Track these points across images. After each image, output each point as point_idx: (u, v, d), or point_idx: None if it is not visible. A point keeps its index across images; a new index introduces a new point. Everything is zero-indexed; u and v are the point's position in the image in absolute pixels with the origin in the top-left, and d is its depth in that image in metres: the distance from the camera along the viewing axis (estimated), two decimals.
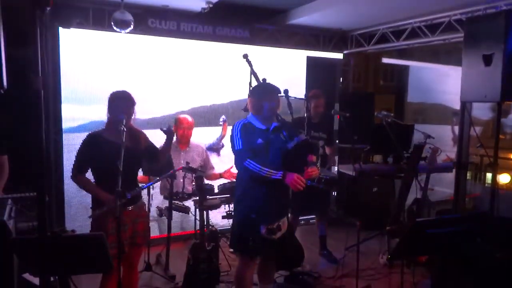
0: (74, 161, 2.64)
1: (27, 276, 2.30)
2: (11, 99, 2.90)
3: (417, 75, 6.86)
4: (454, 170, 4.47)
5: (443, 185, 5.72)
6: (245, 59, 3.28)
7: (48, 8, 1.44)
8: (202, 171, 3.64)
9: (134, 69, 4.44)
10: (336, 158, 4.91)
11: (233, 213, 2.96)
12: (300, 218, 4.30)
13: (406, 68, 6.83)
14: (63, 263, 1.75)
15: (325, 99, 4.08)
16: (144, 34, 4.46)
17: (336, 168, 5.09)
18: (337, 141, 4.97)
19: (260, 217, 2.68)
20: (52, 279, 1.80)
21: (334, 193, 5.36)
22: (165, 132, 2.80)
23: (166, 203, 3.91)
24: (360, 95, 6.09)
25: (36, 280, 2.20)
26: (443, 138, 6.57)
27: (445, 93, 6.94)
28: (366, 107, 5.45)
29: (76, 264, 1.80)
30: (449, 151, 5.67)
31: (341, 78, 6.03)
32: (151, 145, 2.83)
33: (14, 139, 3.58)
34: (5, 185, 3.57)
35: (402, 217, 3.57)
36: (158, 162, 2.87)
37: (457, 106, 5.91)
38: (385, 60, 6.57)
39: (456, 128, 5.87)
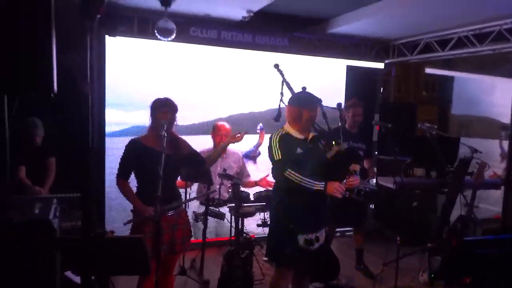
0: (118, 166, 2.71)
1: (69, 274, 2.36)
2: (58, 104, 3.03)
3: (462, 86, 6.59)
4: (502, 187, 4.23)
5: (489, 203, 5.43)
6: (276, 69, 3.25)
7: (98, 17, 1.50)
8: (238, 178, 3.65)
9: (175, 76, 4.54)
10: (375, 170, 4.78)
11: (269, 222, 2.94)
12: (336, 229, 4.20)
13: (450, 78, 6.58)
14: (103, 264, 1.79)
15: (364, 109, 3.99)
16: (186, 42, 4.56)
17: (374, 181, 4.96)
18: (376, 152, 4.85)
19: (298, 228, 2.64)
20: (92, 278, 1.84)
21: (372, 206, 5.22)
22: (232, 137, 2.84)
23: (202, 209, 3.94)
24: (402, 106, 5.93)
25: (77, 279, 2.26)
26: (490, 153, 6.25)
27: (492, 105, 6.63)
28: (408, 119, 5.29)
29: (115, 265, 1.83)
30: (496, 167, 5.38)
31: (381, 88, 5.89)
32: (193, 152, 2.85)
33: (61, 142, 3.75)
34: (51, 185, 3.76)
35: (444, 234, 3.41)
36: (201, 168, 2.89)
37: (505, 119, 5.61)
38: (429, 71, 6.36)
39: (505, 143, 5.58)
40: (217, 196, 3.94)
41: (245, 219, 3.86)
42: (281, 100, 2.80)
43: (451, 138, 4.36)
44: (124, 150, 2.70)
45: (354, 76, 5.45)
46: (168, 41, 4.12)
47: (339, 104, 3.55)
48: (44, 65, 1.35)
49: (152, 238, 2.38)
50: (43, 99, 1.52)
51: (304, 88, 2.95)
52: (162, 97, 2.78)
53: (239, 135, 2.86)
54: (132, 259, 1.81)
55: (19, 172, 3.47)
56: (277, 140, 2.66)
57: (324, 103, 2.82)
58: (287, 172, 2.57)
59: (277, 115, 2.80)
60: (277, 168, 2.67)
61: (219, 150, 2.90)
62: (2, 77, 1.37)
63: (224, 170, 3.59)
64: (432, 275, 3.28)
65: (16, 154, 1.49)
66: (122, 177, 2.68)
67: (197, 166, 2.90)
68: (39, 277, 2.10)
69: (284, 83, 2.97)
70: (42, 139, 3.66)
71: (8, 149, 1.52)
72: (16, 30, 1.35)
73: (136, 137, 2.76)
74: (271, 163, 2.73)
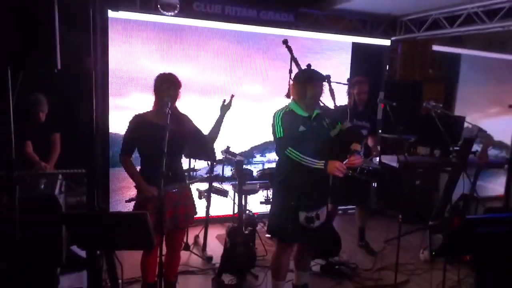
0: (122, 141, 2.72)
1: (75, 248, 2.41)
2: (62, 79, 3.02)
3: (469, 64, 6.49)
4: (506, 166, 4.22)
5: (493, 182, 5.44)
6: (284, 45, 3.22)
7: None
8: (241, 155, 3.67)
9: (177, 52, 4.49)
10: (378, 148, 4.78)
11: (271, 199, 2.96)
12: (338, 207, 4.24)
13: (457, 56, 6.47)
14: (107, 239, 1.82)
15: (369, 87, 3.96)
16: (189, 18, 4.49)
17: (377, 159, 4.97)
18: (379, 130, 4.83)
19: (299, 205, 2.66)
20: (98, 252, 1.88)
21: (375, 184, 5.24)
22: (223, 106, 2.79)
23: (206, 186, 3.98)
24: (407, 84, 5.86)
25: (83, 253, 2.30)
26: (495, 132, 6.22)
27: (500, 84, 6.55)
28: (413, 97, 5.24)
29: (120, 240, 1.87)
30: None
31: (387, 66, 5.82)
32: (197, 129, 2.83)
33: (65, 118, 3.76)
34: (56, 161, 3.79)
35: (446, 212, 3.43)
36: (204, 146, 2.88)
37: None
38: (436, 48, 6.26)
39: None
40: (221, 173, 3.99)
41: (248, 196, 3.92)
42: (290, 77, 2.77)
43: (457, 117, 4.33)
44: (128, 126, 2.70)
45: (359, 53, 5.38)
46: (171, 16, 4.05)
47: (348, 80, 3.52)
48: (48, 40, 1.34)
49: (155, 215, 2.41)
50: (47, 74, 1.51)
51: (309, 65, 2.92)
52: (166, 72, 2.76)
53: (228, 101, 2.82)
54: (136, 234, 1.84)
55: (26, 147, 3.49)
56: (280, 118, 2.65)
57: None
58: (289, 150, 2.57)
59: (288, 92, 2.78)
60: (279, 145, 2.67)
61: (217, 124, 2.82)
62: (5, 52, 1.36)
63: (228, 147, 3.61)
64: (434, 253, 3.32)
65: (21, 129, 1.50)
66: (125, 153, 2.69)
67: (201, 144, 2.89)
68: (45, 251, 2.15)
69: (292, 60, 2.94)
70: (45, 115, 3.67)
71: (13, 125, 1.52)
72: (19, 5, 1.34)
73: (140, 112, 2.76)
74: (274, 139, 2.73)
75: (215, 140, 2.85)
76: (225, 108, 2.81)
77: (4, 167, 1.70)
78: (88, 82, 1.48)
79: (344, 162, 2.57)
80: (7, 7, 1.34)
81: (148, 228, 1.76)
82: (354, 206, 4.52)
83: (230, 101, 2.82)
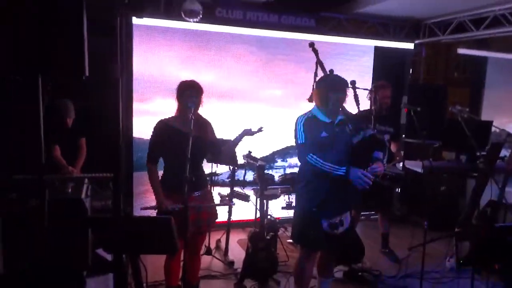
0: (148, 148, 2.75)
1: (100, 251, 2.46)
2: (88, 85, 3.09)
3: (496, 67, 6.32)
4: None
5: None
6: (310, 48, 3.21)
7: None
8: (263, 160, 3.66)
9: (200, 57, 4.53)
10: (401, 153, 4.70)
11: (294, 205, 2.95)
12: (361, 213, 4.18)
13: (483, 59, 6.31)
14: (133, 242, 1.84)
15: (392, 91, 3.90)
16: (212, 23, 4.53)
17: (401, 164, 4.88)
18: (403, 135, 4.74)
19: (322, 211, 2.63)
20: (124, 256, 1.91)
21: (398, 190, 5.15)
22: (247, 130, 2.80)
23: (227, 190, 3.99)
24: (431, 88, 5.74)
25: (108, 256, 2.34)
26: None
27: None
28: (438, 101, 5.12)
29: (144, 244, 1.89)
30: None
31: (410, 70, 5.73)
32: (214, 139, 2.86)
33: (91, 123, 3.85)
34: (82, 165, 3.87)
35: (474, 219, 3.34)
36: (220, 156, 2.90)
37: None
38: (462, 51, 6.12)
39: None
40: (243, 178, 3.99)
41: (269, 201, 3.90)
42: (315, 81, 2.76)
43: (484, 122, 4.21)
44: (153, 132, 2.74)
45: (382, 57, 5.31)
46: (194, 22, 4.10)
47: (372, 86, 3.48)
48: (76, 48, 1.38)
49: (178, 219, 2.42)
50: (74, 81, 1.54)
51: (331, 71, 2.90)
52: (189, 79, 2.80)
53: (255, 130, 2.82)
54: (160, 238, 1.86)
55: (54, 151, 3.58)
56: (302, 123, 2.63)
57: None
58: (310, 156, 2.55)
59: (311, 96, 2.77)
60: (301, 151, 2.65)
61: (233, 144, 2.84)
62: (36, 60, 1.40)
63: (249, 152, 3.61)
64: (461, 261, 3.22)
65: (49, 135, 1.54)
66: (151, 159, 2.72)
67: (220, 150, 2.91)
68: (72, 254, 2.20)
69: (318, 64, 2.93)
70: (72, 121, 3.77)
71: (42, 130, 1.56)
72: (49, 13, 1.38)
73: (164, 118, 2.79)
74: (295, 144, 2.71)
75: (227, 156, 2.88)
76: (247, 132, 2.82)
77: (33, 171, 1.75)
78: (114, 88, 1.51)
79: (367, 170, 2.54)
80: (37, 16, 1.38)
81: (172, 233, 1.78)
82: (376, 212, 4.44)
83: (256, 132, 2.83)
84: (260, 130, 2.81)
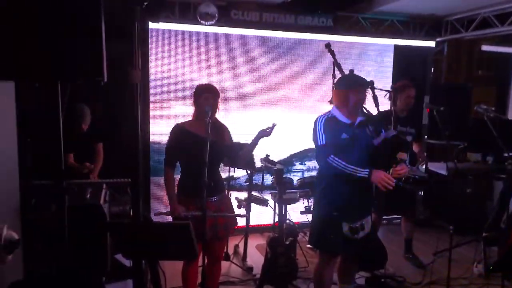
0: (165, 153, 2.79)
1: (119, 257, 2.49)
2: (106, 90, 3.15)
3: None
4: None
5: None
6: (327, 49, 3.20)
7: (145, 4, 1.53)
8: (281, 164, 3.65)
9: (216, 60, 4.56)
10: (424, 154, 4.64)
11: (313, 209, 2.94)
12: (383, 217, 4.13)
13: (509, 56, 6.17)
14: (152, 248, 1.86)
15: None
16: (227, 26, 4.55)
17: (423, 167, 4.81)
18: (425, 136, 4.68)
19: (342, 215, 2.62)
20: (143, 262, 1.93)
21: (421, 193, 5.07)
22: (262, 131, 2.77)
23: (245, 195, 3.99)
24: (454, 87, 5.65)
25: (127, 262, 2.37)
26: None
27: None
28: (461, 100, 5.04)
29: (163, 250, 1.90)
30: None
31: (432, 68, 5.64)
32: (231, 143, 2.87)
33: (108, 128, 3.92)
34: (100, 170, 3.94)
35: (502, 223, 3.26)
36: (237, 160, 2.90)
37: None
38: (486, 48, 5.99)
39: None
40: (260, 182, 3.99)
41: (288, 205, 3.89)
42: (333, 82, 2.75)
43: (511, 121, 4.11)
44: (169, 136, 2.77)
45: (402, 56, 5.24)
46: (209, 25, 4.14)
47: (393, 87, 3.46)
48: (96, 54, 1.40)
49: (196, 224, 2.44)
50: (91, 86, 1.57)
51: (351, 71, 2.90)
52: (205, 83, 2.83)
53: (268, 128, 2.78)
54: (179, 244, 1.87)
55: (68, 159, 3.66)
56: (322, 124, 2.63)
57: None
58: (331, 158, 2.55)
59: (332, 98, 2.76)
60: (320, 153, 2.64)
61: (250, 147, 2.81)
62: (55, 66, 1.43)
63: (267, 155, 3.61)
64: (491, 267, 3.15)
65: (64, 142, 1.57)
66: (169, 164, 2.75)
67: (238, 154, 2.91)
68: (92, 259, 2.23)
69: (335, 65, 2.92)
70: (89, 126, 3.83)
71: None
72: (67, 18, 1.41)
73: (181, 122, 2.82)
74: (315, 146, 2.71)
75: (245, 161, 2.87)
76: (263, 133, 2.77)
77: (49, 177, 1.78)
78: (133, 94, 1.53)
79: (389, 172, 2.51)
80: (55, 20, 1.41)
81: (191, 239, 1.79)
82: (399, 216, 4.38)
83: (271, 130, 2.78)
84: (273, 126, 2.79)
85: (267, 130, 2.77)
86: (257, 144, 2.79)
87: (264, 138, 2.78)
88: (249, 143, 2.80)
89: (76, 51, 1.40)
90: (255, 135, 2.78)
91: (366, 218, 2.72)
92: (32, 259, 2.22)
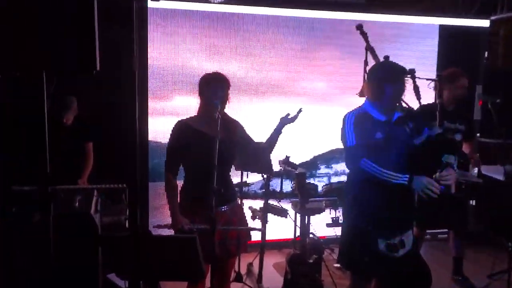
0: (166, 155, 2.80)
1: (112, 277, 2.52)
2: (98, 81, 3.18)
3: None
4: None
5: None
6: (358, 31, 3.19)
7: None
8: (304, 167, 3.65)
9: (226, 45, 4.57)
10: (477, 156, 4.58)
11: (342, 221, 2.93)
12: (427, 231, 4.09)
13: None
14: (152, 267, 1.88)
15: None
16: (239, 4, 4.56)
17: (476, 170, 4.75)
18: (477, 134, 4.62)
19: (378, 229, 2.60)
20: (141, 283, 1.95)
21: (473, 202, 5.00)
22: (285, 118, 2.79)
23: (260, 204, 3.99)
24: None
25: (121, 283, 2.40)
26: None
27: None
28: None
29: (165, 269, 1.92)
30: None
31: (486, 53, 5.56)
32: (249, 139, 2.87)
33: (100, 125, 3.96)
34: (89, 174, 3.99)
35: None
36: (258, 157, 2.91)
37: None
38: None
39: None
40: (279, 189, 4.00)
41: (312, 216, 3.88)
42: (365, 70, 2.74)
43: None
44: (171, 134, 2.78)
45: (449, 39, 5.19)
46: (219, 3, 4.15)
47: (438, 76, 3.43)
48: (87, 40, 1.42)
49: (201, 239, 2.46)
50: (82, 75, 1.59)
51: (387, 57, 2.88)
52: (212, 72, 2.83)
53: (293, 114, 2.80)
54: (184, 262, 1.88)
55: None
56: (352, 121, 2.62)
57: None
58: (363, 162, 2.53)
59: (361, 90, 2.75)
60: (351, 156, 2.64)
61: (274, 135, 2.83)
62: (41, 54, 1.45)
63: (287, 156, 3.60)
64: None
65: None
66: (170, 169, 2.76)
67: (254, 155, 2.92)
68: (80, 278, 2.26)
69: (368, 50, 2.91)
70: (75, 120, 3.86)
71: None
72: (57, 5, 1.42)
73: (184, 118, 2.84)
74: (343, 147, 2.70)
75: (270, 153, 2.88)
76: (287, 120, 2.79)
77: (36, 181, 1.81)
78: (130, 84, 1.54)
79: (435, 177, 2.49)
80: (46, 8, 1.43)
81: (197, 256, 1.80)
82: (446, 230, 4.34)
83: (297, 115, 2.80)
84: (299, 112, 2.80)
85: (292, 117, 2.79)
86: (281, 132, 2.80)
87: (288, 125, 2.80)
88: (269, 137, 2.81)
89: (64, 36, 1.42)
90: (275, 127, 2.80)
91: (407, 233, 2.70)
92: (12, 277, 2.25)
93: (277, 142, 2.84)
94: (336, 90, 4.90)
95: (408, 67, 2.73)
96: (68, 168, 3.73)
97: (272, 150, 2.89)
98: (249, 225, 2.95)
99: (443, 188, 2.53)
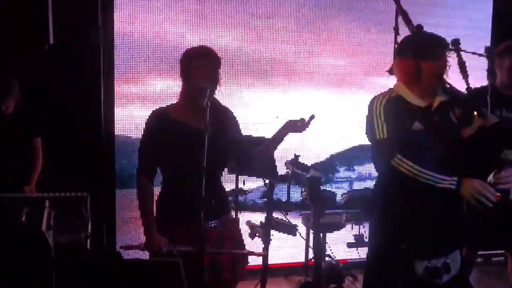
0: (138, 153, 2.82)
1: None
2: (47, 58, 3.18)
3: None
4: None
5: None
6: None
7: None
8: (317, 169, 3.66)
9: (216, 13, 4.58)
10: None
11: (367, 239, 2.95)
12: (478, 253, 4.11)
13: None
14: None
15: None
16: None
17: None
18: None
19: (415, 249, 2.61)
20: None
21: None
22: (292, 124, 2.80)
23: (261, 218, 4.01)
24: None
25: None
26: None
27: None
28: None
29: None
30: None
31: None
32: (241, 136, 2.90)
33: (52, 116, 3.95)
34: (38, 178, 3.97)
35: None
36: (250, 164, 2.92)
37: None
38: None
39: None
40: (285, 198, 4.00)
41: (329, 234, 3.90)
42: (395, 42, 2.75)
43: None
44: (145, 129, 2.80)
45: (505, 4, 5.21)
46: None
47: (488, 49, 3.44)
48: (36, 8, 1.42)
49: (186, 263, 2.46)
50: (32, 52, 1.60)
51: (420, 27, 2.89)
52: (199, 46, 2.86)
53: (302, 121, 2.79)
54: None
55: None
56: (381, 109, 2.63)
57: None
58: (397, 160, 2.54)
59: (391, 67, 2.76)
60: (380, 153, 2.66)
61: (272, 142, 2.86)
62: None
63: (296, 156, 3.62)
64: None
65: None
66: (143, 171, 2.78)
67: (251, 154, 2.92)
68: None
69: (401, 14, 2.92)
70: (15, 107, 3.84)
71: None
72: None
73: (162, 107, 2.85)
74: (370, 143, 2.72)
75: (261, 165, 2.94)
76: (293, 128, 2.80)
77: None
78: (95, 63, 1.55)
79: (489, 180, 2.50)
80: None
81: (181, 284, 1.81)
82: (504, 252, 4.36)
83: (308, 123, 2.80)
84: (311, 118, 2.80)
85: (299, 124, 2.78)
86: (282, 140, 2.81)
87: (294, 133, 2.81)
88: (269, 137, 2.82)
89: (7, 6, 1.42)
90: (279, 127, 2.81)
91: (453, 254, 2.70)
92: None
93: (274, 151, 2.89)
94: (358, 71, 4.92)
95: (450, 38, 2.75)
96: (11, 171, 3.73)
97: (265, 157, 2.94)
98: (246, 246, 2.95)
99: (502, 194, 2.54)
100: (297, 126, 2.78)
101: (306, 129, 2.81)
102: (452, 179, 2.49)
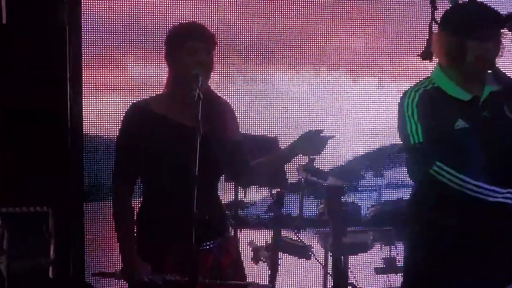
0: (114, 156, 2.84)
1: None
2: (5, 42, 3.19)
3: None
4: None
5: None
6: None
7: None
8: (337, 175, 3.67)
9: None
10: None
11: (401, 264, 2.95)
12: None
13: None
14: None
15: None
16: None
17: None
18: None
19: (462, 277, 2.62)
20: None
21: None
22: (309, 142, 2.82)
23: (267, 237, 4.01)
24: None
25: None
26: None
27: None
28: None
29: None
30: None
31: None
32: (240, 137, 2.94)
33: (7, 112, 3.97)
34: None
35: None
36: (245, 173, 2.95)
37: None
38: None
39: None
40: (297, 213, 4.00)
41: (352, 257, 3.89)
42: (433, 19, 2.75)
43: None
44: (122, 125, 2.80)
45: None
46: None
47: None
48: None
49: None
50: None
51: None
52: (186, 22, 2.90)
53: (317, 134, 2.82)
54: None
55: None
56: (414, 106, 2.64)
57: None
58: (436, 168, 2.55)
59: (427, 49, 2.75)
60: (416, 159, 2.69)
61: (275, 161, 2.96)
62: None
63: (311, 159, 3.62)
64: None
65: None
66: (120, 178, 2.79)
67: (248, 161, 2.92)
68: None
69: None
70: None
71: None
72: None
73: (142, 99, 2.87)
74: (403, 148, 2.74)
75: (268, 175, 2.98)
76: (305, 148, 2.84)
77: None
78: (59, 46, 1.54)
79: None
80: None
81: None
82: None
83: (325, 144, 2.82)
84: (328, 138, 2.82)
85: (317, 145, 2.80)
86: (293, 158, 2.87)
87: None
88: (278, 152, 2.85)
89: None
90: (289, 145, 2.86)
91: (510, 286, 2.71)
92: None
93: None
94: (385, 55, 4.91)
95: (504, 11, 2.76)
96: None
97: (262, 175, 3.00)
98: (248, 273, 2.95)
99: None
100: (311, 145, 2.80)
101: (322, 150, 2.83)
102: (508, 191, 2.49)
